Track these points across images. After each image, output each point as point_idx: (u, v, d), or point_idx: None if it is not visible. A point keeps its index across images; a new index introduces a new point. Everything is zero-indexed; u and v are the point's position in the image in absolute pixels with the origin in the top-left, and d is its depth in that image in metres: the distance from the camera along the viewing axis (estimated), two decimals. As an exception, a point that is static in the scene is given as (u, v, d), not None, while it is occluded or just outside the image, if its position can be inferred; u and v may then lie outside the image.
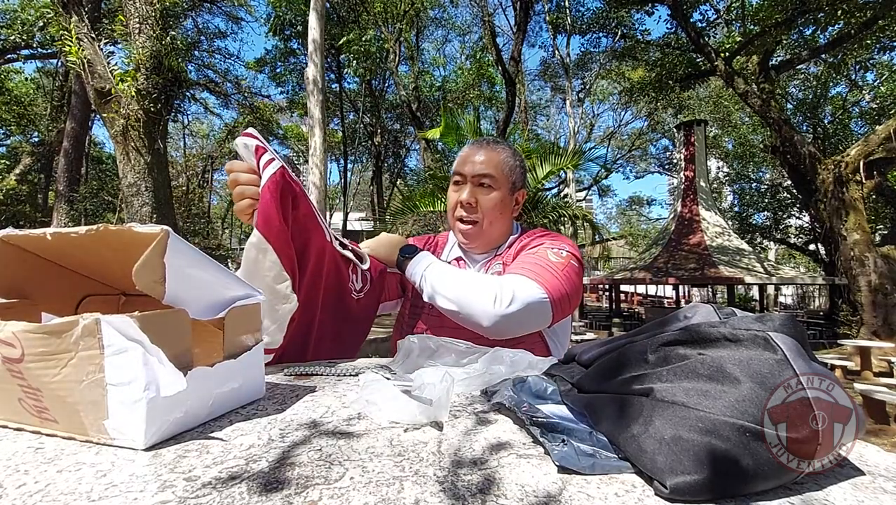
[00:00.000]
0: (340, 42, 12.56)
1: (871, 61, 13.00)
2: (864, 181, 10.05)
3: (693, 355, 0.38)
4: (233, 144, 0.76)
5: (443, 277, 0.95)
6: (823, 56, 11.84)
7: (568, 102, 17.17)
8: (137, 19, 5.08)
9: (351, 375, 0.70)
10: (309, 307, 0.86)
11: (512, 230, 1.16)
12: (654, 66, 13.02)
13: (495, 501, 0.33)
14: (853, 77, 15.20)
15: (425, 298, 0.98)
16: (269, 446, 0.42)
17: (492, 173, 1.07)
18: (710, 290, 21.31)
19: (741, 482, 0.33)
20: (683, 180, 14.97)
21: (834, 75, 14.46)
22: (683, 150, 15.08)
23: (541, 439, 0.40)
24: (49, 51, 11.25)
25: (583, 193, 24.69)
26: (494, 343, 0.91)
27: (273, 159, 0.76)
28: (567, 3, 15.68)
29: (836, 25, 9.97)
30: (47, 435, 0.44)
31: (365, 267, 1.02)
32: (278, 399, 0.57)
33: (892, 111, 12.54)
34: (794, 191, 14.74)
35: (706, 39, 11.53)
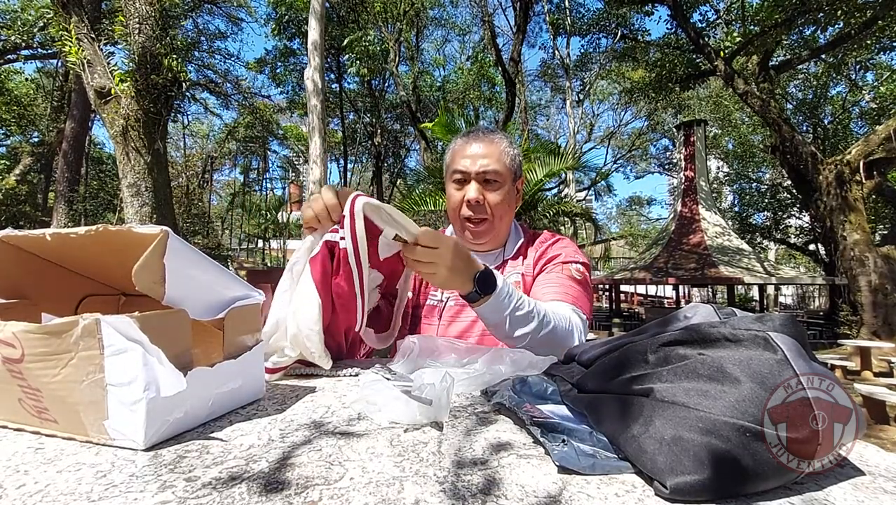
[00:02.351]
0: (344, 43, 12.57)
1: (871, 61, 13.01)
2: (864, 181, 10.05)
3: (693, 355, 0.38)
4: (366, 203, 0.76)
5: (529, 323, 0.85)
6: (823, 56, 11.85)
7: (568, 103, 17.19)
8: (137, 19, 5.08)
9: (351, 375, 0.70)
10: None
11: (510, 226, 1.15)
12: (654, 66, 13.02)
13: (495, 501, 0.33)
14: (853, 77, 15.20)
15: (497, 333, 0.87)
16: (269, 446, 0.42)
17: (497, 168, 1.04)
18: (710, 290, 21.32)
19: (741, 482, 0.33)
20: (683, 180, 14.98)
21: (834, 75, 14.47)
22: (683, 150, 15.08)
23: (541, 439, 0.40)
24: (49, 51, 11.25)
25: (583, 193, 24.70)
26: (495, 343, 0.91)
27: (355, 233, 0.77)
28: (567, 4, 15.69)
29: (836, 26, 9.97)
30: (47, 435, 0.44)
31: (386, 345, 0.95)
32: (278, 399, 0.57)
33: (892, 111, 12.54)
34: (794, 191, 14.74)
35: (706, 40, 11.53)
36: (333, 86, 17.65)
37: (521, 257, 1.12)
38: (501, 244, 1.14)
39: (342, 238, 0.78)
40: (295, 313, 0.73)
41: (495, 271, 0.85)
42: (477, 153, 1.05)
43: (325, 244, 0.77)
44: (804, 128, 15.80)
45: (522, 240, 1.15)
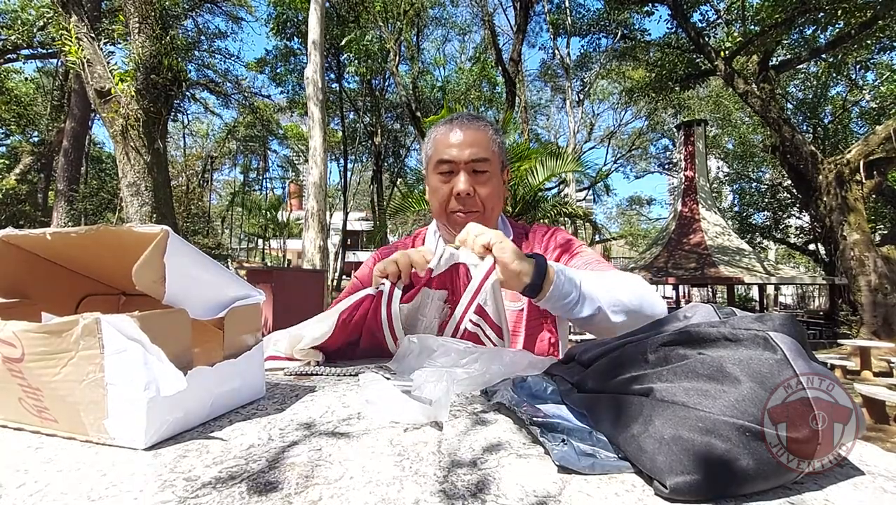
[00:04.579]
0: (343, 42, 12.57)
1: (871, 61, 13.00)
2: (864, 181, 10.05)
3: (693, 355, 0.38)
4: (452, 250, 0.83)
5: (607, 290, 0.81)
6: (823, 56, 11.84)
7: (568, 102, 17.17)
8: (137, 19, 5.08)
9: (351, 375, 0.70)
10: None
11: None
12: (654, 66, 13.02)
13: (495, 500, 0.33)
14: (853, 77, 15.20)
15: (577, 318, 0.81)
16: (269, 446, 0.42)
17: (486, 157, 0.96)
18: (710, 290, 21.32)
19: (741, 482, 0.33)
20: (683, 180, 14.98)
21: (834, 75, 14.47)
22: (683, 150, 15.08)
23: (541, 439, 0.40)
24: (49, 51, 11.25)
25: (583, 193, 24.69)
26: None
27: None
28: (567, 4, 15.68)
29: (836, 25, 9.97)
30: (47, 435, 0.44)
31: None
32: (278, 399, 0.57)
33: (893, 111, 12.55)
34: (794, 191, 14.74)
35: (706, 39, 11.53)
36: (333, 85, 17.65)
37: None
38: (503, 317, 1.11)
39: (382, 283, 0.82)
40: (305, 326, 0.78)
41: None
42: (464, 140, 0.96)
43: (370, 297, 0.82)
44: (804, 128, 15.79)
45: (512, 235, 1.08)
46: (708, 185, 15.18)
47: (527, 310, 0.99)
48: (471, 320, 0.83)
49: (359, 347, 0.87)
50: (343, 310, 0.80)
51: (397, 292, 0.82)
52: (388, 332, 0.82)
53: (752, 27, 10.74)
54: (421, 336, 0.73)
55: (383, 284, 0.82)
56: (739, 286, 15.61)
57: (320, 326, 0.77)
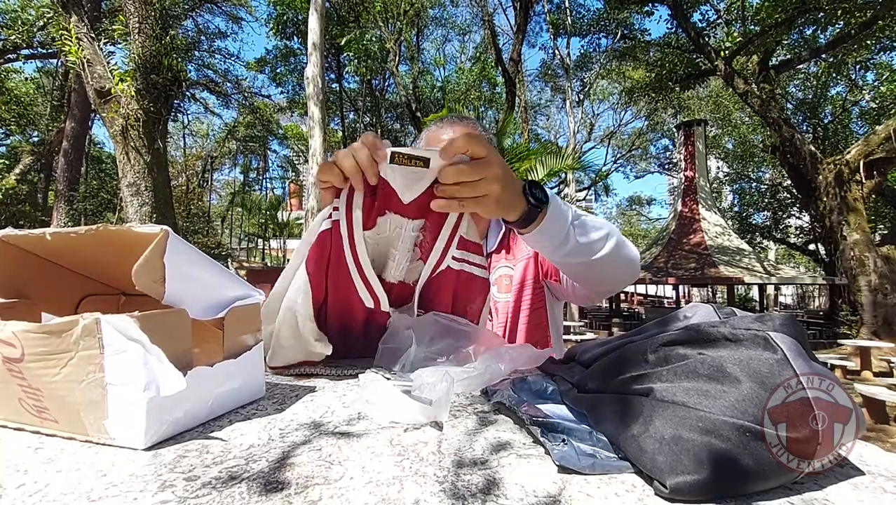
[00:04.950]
0: (342, 41, 12.57)
1: (871, 61, 13.02)
2: (864, 181, 10.06)
3: (693, 355, 0.38)
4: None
5: (600, 226, 0.73)
6: (823, 56, 11.85)
7: (568, 102, 17.17)
8: (137, 19, 5.08)
9: (351, 375, 0.70)
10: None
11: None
12: (654, 66, 13.03)
13: (495, 501, 0.33)
14: (853, 77, 15.21)
15: (568, 254, 0.72)
16: (269, 446, 0.42)
17: None
18: (710, 290, 21.33)
19: (741, 482, 0.33)
20: (683, 180, 14.99)
21: (834, 75, 14.48)
22: (683, 150, 15.09)
23: (541, 439, 0.40)
24: (49, 51, 11.25)
25: (583, 193, 24.70)
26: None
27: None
28: (567, 4, 15.69)
29: (836, 25, 9.98)
30: (47, 435, 0.44)
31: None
32: (278, 399, 0.57)
33: (893, 111, 12.55)
34: (794, 191, 14.75)
35: (706, 39, 11.53)
36: (333, 85, 17.65)
37: (503, 250, 1.07)
38: (483, 236, 1.08)
39: (335, 208, 0.64)
40: (293, 305, 0.65)
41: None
42: (453, 135, 0.93)
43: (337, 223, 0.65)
44: (804, 128, 15.80)
45: (503, 230, 1.08)
46: (708, 185, 15.19)
47: (513, 301, 1.01)
48: (454, 256, 0.71)
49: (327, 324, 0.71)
50: (309, 273, 0.64)
51: (357, 215, 0.64)
52: (357, 273, 0.66)
53: (752, 27, 10.75)
54: (407, 318, 0.67)
55: (336, 208, 0.64)
56: (739, 286, 15.62)
57: (304, 300, 0.65)
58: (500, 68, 11.80)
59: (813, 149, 10.95)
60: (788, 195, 17.89)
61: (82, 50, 5.04)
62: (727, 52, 10.97)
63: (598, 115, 24.56)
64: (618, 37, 14.23)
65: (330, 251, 0.65)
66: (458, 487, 0.34)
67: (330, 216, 0.65)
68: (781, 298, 25.25)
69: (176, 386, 0.42)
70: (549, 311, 1.03)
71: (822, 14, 9.49)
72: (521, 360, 0.66)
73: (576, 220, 0.71)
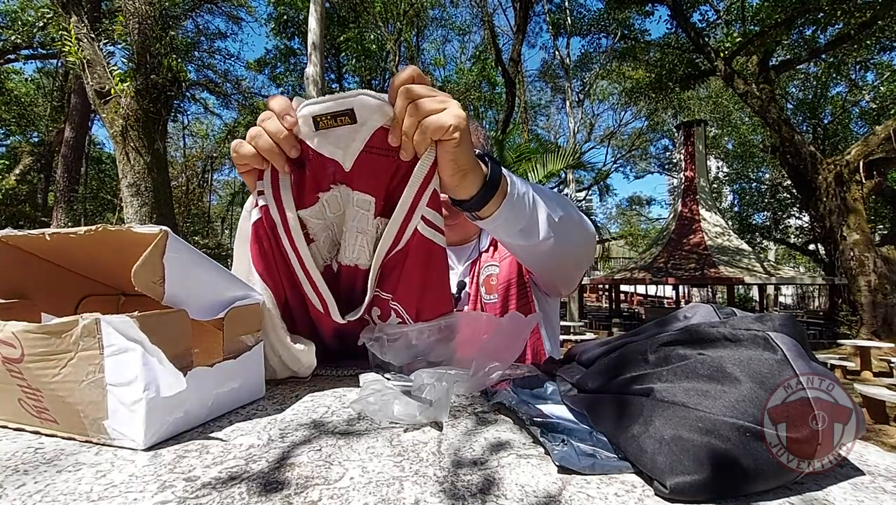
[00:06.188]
0: (339, 40, 12.56)
1: (871, 61, 13.03)
2: (864, 181, 10.06)
3: (693, 355, 0.38)
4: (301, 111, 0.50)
5: (552, 198, 0.67)
6: (823, 56, 11.86)
7: (568, 103, 17.17)
8: (137, 19, 5.08)
9: (351, 375, 0.70)
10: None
11: None
12: (653, 66, 13.04)
13: (495, 501, 0.33)
14: (853, 77, 15.22)
15: (527, 229, 0.64)
16: (269, 446, 0.42)
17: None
18: (710, 290, 21.33)
19: (741, 482, 0.33)
20: (683, 180, 15.00)
21: (834, 75, 14.49)
22: (683, 150, 15.09)
23: (541, 439, 0.40)
24: (49, 51, 11.25)
25: (583, 193, 24.70)
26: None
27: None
28: (567, 4, 15.69)
29: (836, 26, 9.99)
30: (47, 435, 0.44)
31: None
32: (278, 399, 0.57)
33: (893, 111, 12.56)
34: (794, 191, 14.75)
35: (706, 40, 11.54)
36: (333, 85, 17.64)
37: (492, 248, 1.06)
38: (475, 235, 1.07)
39: (260, 192, 0.55)
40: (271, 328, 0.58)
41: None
42: None
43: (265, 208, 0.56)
44: (804, 128, 15.81)
45: None
46: (708, 185, 15.19)
47: (499, 302, 0.98)
48: (424, 217, 0.57)
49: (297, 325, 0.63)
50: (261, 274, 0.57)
51: (286, 195, 0.55)
52: (299, 267, 0.58)
53: (752, 27, 10.76)
54: (391, 325, 0.62)
55: (261, 192, 0.55)
56: (739, 286, 15.62)
57: (307, 353, 0.62)
58: (499, 68, 11.80)
59: (813, 149, 10.95)
60: (788, 195, 17.90)
61: (82, 50, 5.04)
62: (727, 52, 10.98)
63: (598, 115, 24.58)
64: (618, 37, 14.24)
65: (270, 243, 0.57)
66: (458, 487, 0.34)
67: (256, 203, 0.56)
68: (781, 299, 25.26)
69: (176, 386, 0.42)
70: (539, 308, 1.01)
71: (821, 14, 9.50)
72: (511, 348, 0.60)
73: (531, 189, 0.63)
